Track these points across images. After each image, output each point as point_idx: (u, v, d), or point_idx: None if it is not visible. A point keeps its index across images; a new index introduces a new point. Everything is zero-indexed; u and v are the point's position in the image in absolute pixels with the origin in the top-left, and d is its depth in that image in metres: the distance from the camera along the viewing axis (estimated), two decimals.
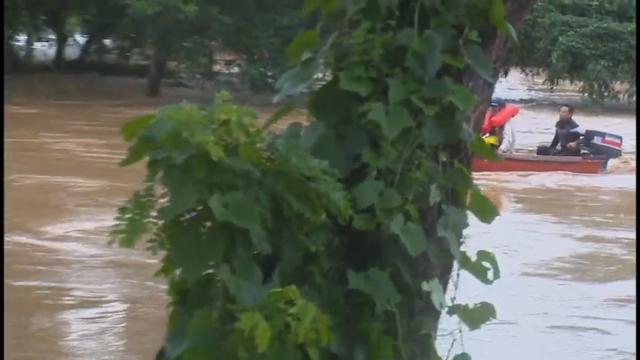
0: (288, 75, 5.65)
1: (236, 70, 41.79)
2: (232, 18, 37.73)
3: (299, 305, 4.69)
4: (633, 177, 26.06)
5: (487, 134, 26.11)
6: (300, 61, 5.50)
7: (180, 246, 4.89)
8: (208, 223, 4.84)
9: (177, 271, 4.97)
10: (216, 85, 39.42)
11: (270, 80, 37.67)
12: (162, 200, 4.77)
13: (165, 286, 10.87)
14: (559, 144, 28.99)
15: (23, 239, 16.51)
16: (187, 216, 4.88)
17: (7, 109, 32.49)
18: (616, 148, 28.39)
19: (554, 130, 30.44)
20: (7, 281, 13.54)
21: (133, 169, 5.12)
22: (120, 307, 12.82)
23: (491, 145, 24.94)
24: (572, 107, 28.92)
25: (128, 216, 4.85)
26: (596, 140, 27.80)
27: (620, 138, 28.66)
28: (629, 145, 30.51)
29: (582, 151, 28.62)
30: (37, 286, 14.00)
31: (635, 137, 9.93)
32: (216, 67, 43.84)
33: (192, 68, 44.00)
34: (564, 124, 29.06)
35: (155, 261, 11.39)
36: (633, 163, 29.16)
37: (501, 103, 26.66)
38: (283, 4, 39.03)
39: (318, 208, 4.85)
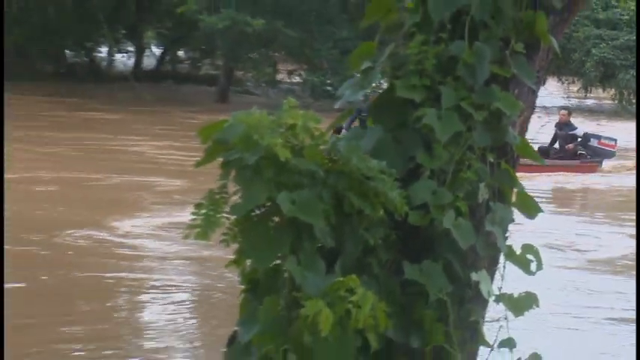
0: (348, 83, 5.67)
1: (297, 79, 41.76)
2: (295, 31, 37.73)
3: (359, 294, 4.70)
4: None
5: None
6: (360, 70, 5.51)
7: (250, 239, 4.92)
8: (276, 219, 4.87)
9: (248, 262, 5.00)
10: (279, 92, 39.45)
11: (329, 88, 37.67)
12: (234, 197, 4.82)
13: (234, 277, 10.86)
14: (557, 144, 28.83)
15: (103, 235, 16.50)
16: (257, 212, 4.91)
17: (90, 115, 32.65)
18: (611, 149, 28.24)
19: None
20: (89, 273, 13.58)
21: (207, 170, 5.16)
22: (194, 296, 12.85)
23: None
24: (571, 110, 28.58)
25: (203, 212, 4.89)
26: (593, 142, 27.62)
27: (615, 140, 28.54)
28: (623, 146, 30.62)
29: (579, 152, 28.48)
30: (118, 276, 13.98)
31: (636, 137, 9.68)
32: (280, 76, 43.85)
33: (257, 77, 44.07)
34: (563, 125, 28.84)
35: (224, 255, 11.37)
36: (628, 163, 29.12)
37: None
38: (342, 18, 39.00)
39: (376, 205, 4.88)
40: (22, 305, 12.00)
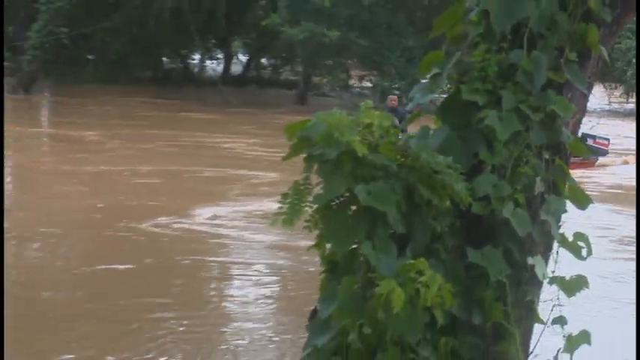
0: (418, 87, 5.68)
1: (368, 83, 41.72)
2: (367, 41, 37.72)
3: (427, 275, 4.72)
4: None
5: None
6: (429, 75, 5.52)
7: (330, 226, 4.95)
8: (354, 207, 4.90)
9: (328, 247, 5.02)
10: (352, 95, 39.45)
11: (396, 92, 37.64)
12: (316, 188, 4.86)
13: (311, 262, 10.89)
14: None
15: (195, 222, 16.52)
16: (337, 201, 4.94)
17: (185, 115, 32.74)
18: (604, 148, 27.95)
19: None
20: (183, 257, 13.64)
21: (292, 164, 5.20)
22: (275, 278, 12.83)
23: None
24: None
25: (289, 201, 4.94)
26: (589, 142, 27.40)
27: (608, 140, 28.25)
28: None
29: None
30: (207, 260, 14.01)
31: (636, 136, 9.36)
32: (352, 81, 43.83)
33: (332, 82, 44.07)
34: None
35: (302, 242, 11.43)
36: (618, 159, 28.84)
37: None
38: (408, 30, 38.94)
39: (443, 196, 4.90)
40: (126, 284, 12.07)
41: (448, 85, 5.39)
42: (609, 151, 28.13)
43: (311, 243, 5.41)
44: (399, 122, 24.68)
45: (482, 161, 5.10)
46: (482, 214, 5.03)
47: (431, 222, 5.00)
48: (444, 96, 5.55)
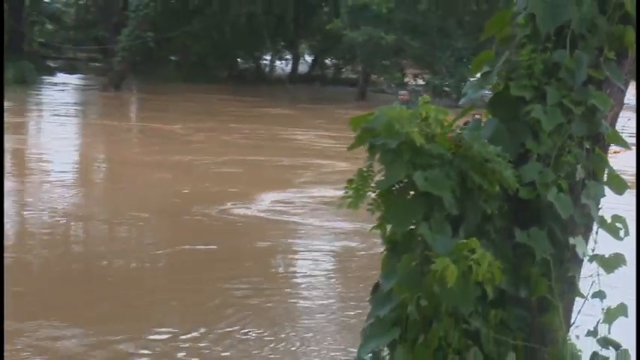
0: (470, 84, 5.67)
1: (421, 81, 41.63)
2: (420, 43, 37.65)
3: (479, 253, 4.69)
4: None
5: None
6: (480, 73, 5.50)
7: (391, 209, 4.95)
8: (412, 192, 4.89)
9: (389, 227, 5.02)
10: (404, 93, 39.51)
11: (446, 89, 37.57)
12: (378, 175, 4.87)
13: (370, 244, 10.83)
14: None
15: (267, 206, 16.50)
16: (397, 187, 4.94)
17: (259, 110, 32.75)
18: None
19: None
20: (259, 238, 13.63)
21: (358, 153, 5.20)
22: (339, 258, 12.76)
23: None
24: None
25: (354, 186, 4.94)
26: None
27: None
28: None
29: None
30: (280, 242, 14.00)
31: (635, 136, 9.18)
32: (406, 79, 43.79)
33: (389, 80, 44.05)
34: None
35: (362, 225, 11.33)
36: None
37: None
38: (457, 33, 38.83)
39: (493, 182, 4.87)
40: (208, 263, 12.10)
41: (497, 82, 5.36)
42: None
43: (369, 226, 5.45)
44: None
45: (529, 150, 5.08)
46: (529, 198, 5.01)
47: (482, 205, 4.98)
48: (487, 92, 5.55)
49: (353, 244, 13.05)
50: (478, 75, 5.54)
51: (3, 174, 4.58)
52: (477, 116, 6.19)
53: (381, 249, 5.10)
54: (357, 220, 13.43)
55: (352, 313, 9.70)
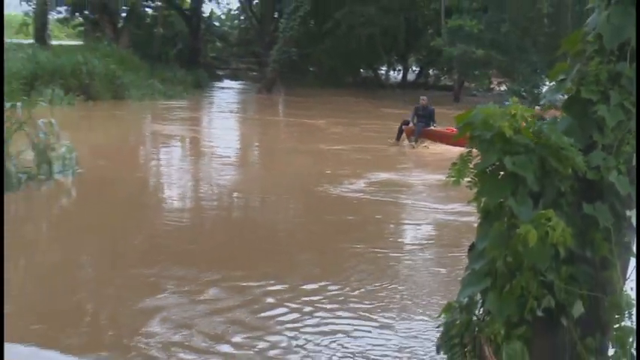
0: (549, 89, 5.68)
1: (504, 87, 41.04)
2: (503, 57, 37.12)
3: (554, 222, 4.65)
4: None
5: None
6: (557, 80, 5.44)
7: (485, 185, 4.94)
8: (502, 173, 4.87)
9: (483, 200, 5.00)
10: (492, 96, 38.93)
11: (523, 93, 36.92)
12: (476, 159, 4.87)
13: (459, 220, 10.62)
14: None
15: (376, 187, 16.22)
16: (490, 168, 4.93)
17: (380, 110, 32.63)
18: None
19: None
20: (352, 216, 13.53)
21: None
22: (438, 230, 12.54)
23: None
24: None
25: (456, 167, 4.95)
26: None
27: None
28: None
29: None
30: (387, 216, 13.84)
31: (635, 136, 8.60)
32: (492, 85, 43.26)
33: (479, 86, 43.50)
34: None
35: (452, 205, 11.03)
36: None
37: None
38: (532, 50, 38.12)
39: (566, 166, 4.83)
40: (336, 229, 12.15)
41: (571, 87, 5.29)
42: None
43: (457, 204, 5.36)
44: (430, 116, 23.35)
45: (595, 142, 5.01)
46: (594, 179, 4.94)
47: (557, 184, 4.94)
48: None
49: (448, 218, 12.87)
50: (553, 82, 5.51)
51: (3, 174, 4.26)
52: (554, 114, 6.10)
53: (468, 224, 5.11)
54: (450, 202, 13.31)
55: (449, 270, 9.63)
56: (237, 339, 7.13)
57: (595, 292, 5.04)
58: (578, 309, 4.97)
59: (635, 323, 4.98)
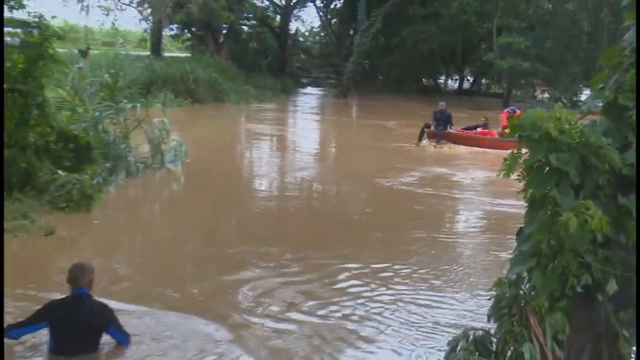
0: (589, 97, 5.56)
1: (547, 95, 40.22)
2: (547, 69, 36.44)
3: (592, 210, 4.57)
4: None
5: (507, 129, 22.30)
6: (597, 88, 5.31)
7: (532, 178, 4.86)
8: (547, 168, 4.79)
9: (530, 191, 4.93)
10: (536, 102, 38.14)
11: (564, 100, 36.09)
12: (525, 156, 4.79)
13: (503, 212, 10.36)
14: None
15: (434, 181, 16.13)
16: (537, 164, 4.85)
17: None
18: None
19: None
20: (406, 204, 13.37)
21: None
22: (488, 219, 12.26)
23: (492, 133, 21.15)
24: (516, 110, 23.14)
25: (507, 163, 4.87)
26: None
27: None
28: None
29: None
30: (442, 205, 13.69)
31: (636, 136, 7.97)
32: (536, 93, 42.33)
33: (525, 94, 42.65)
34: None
35: (497, 201, 10.73)
36: None
37: (514, 111, 22.44)
38: (573, 62, 37.40)
39: (604, 163, 4.74)
40: (396, 217, 12.02)
41: (609, 94, 5.16)
42: None
43: (504, 200, 5.16)
44: (447, 119, 22.06)
45: (630, 142, 4.89)
46: (629, 174, 4.82)
47: (596, 178, 4.84)
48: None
49: (494, 209, 12.59)
50: (593, 90, 5.40)
51: (3, 174, 4.15)
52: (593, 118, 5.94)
53: (513, 215, 4.98)
54: (496, 198, 13.06)
55: (500, 250, 9.51)
56: (311, 308, 7.09)
57: (627, 273, 4.93)
58: (612, 287, 4.87)
59: None
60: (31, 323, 5.53)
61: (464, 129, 21.91)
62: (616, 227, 4.90)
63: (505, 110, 22.76)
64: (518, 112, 21.57)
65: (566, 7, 35.83)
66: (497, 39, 37.82)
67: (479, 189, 14.51)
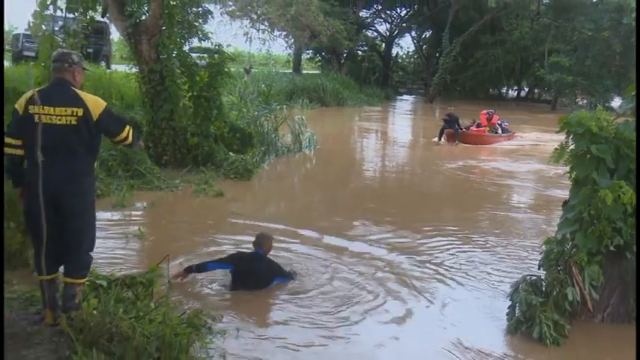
0: (623, 102, 5.22)
1: (585, 101, 37.78)
2: (586, 81, 34.37)
3: (624, 189, 4.36)
4: None
5: (486, 127, 19.05)
6: (630, 94, 4.95)
7: (577, 163, 4.61)
8: (589, 155, 4.53)
9: (575, 173, 4.69)
10: (577, 107, 35.84)
11: (599, 105, 33.84)
12: (571, 146, 4.56)
13: (553, 195, 9.70)
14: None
15: (500, 173, 15.30)
16: (581, 152, 4.63)
17: (506, 116, 30.90)
18: (509, 128, 19.76)
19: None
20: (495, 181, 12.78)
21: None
22: (538, 200, 11.35)
23: (488, 132, 18.79)
24: (494, 113, 19.84)
25: (557, 152, 4.67)
26: (504, 125, 19.71)
27: (508, 123, 20.45)
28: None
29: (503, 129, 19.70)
30: (499, 190, 13.10)
31: (636, 133, 6.78)
32: (577, 99, 39.61)
33: (568, 100, 40.22)
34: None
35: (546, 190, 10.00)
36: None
37: (493, 113, 19.52)
38: (606, 75, 35.00)
39: (634, 152, 4.43)
40: (469, 196, 11.48)
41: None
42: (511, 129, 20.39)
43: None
44: (455, 121, 17.96)
45: None
46: None
47: (627, 163, 4.58)
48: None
49: (545, 193, 11.67)
50: (626, 96, 5.03)
51: (3, 174, 3.93)
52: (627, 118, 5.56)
53: (557, 197, 4.69)
54: (545, 187, 12.30)
55: (548, 219, 9.05)
56: (405, 252, 6.90)
57: None
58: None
59: None
60: (223, 262, 5.50)
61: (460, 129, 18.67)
62: None
63: (484, 111, 20.11)
64: (495, 116, 19.34)
65: (602, 34, 33.58)
66: (547, 59, 36.06)
67: (525, 177, 13.54)
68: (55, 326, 3.71)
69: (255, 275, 5.41)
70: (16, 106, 3.80)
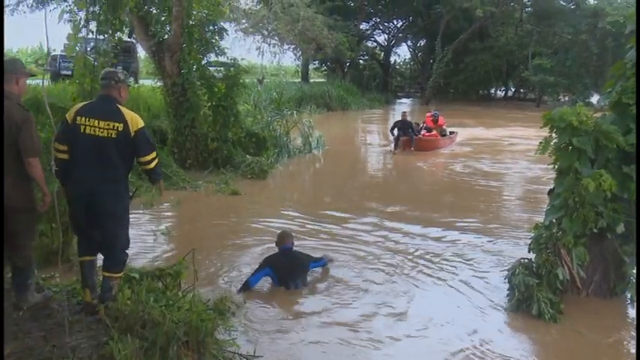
0: (601, 97, 5.19)
1: (567, 98, 37.23)
2: (567, 81, 34.02)
3: (604, 177, 4.32)
4: None
5: (433, 130, 16.41)
6: (607, 91, 4.89)
7: (560, 155, 4.56)
8: (571, 147, 4.48)
9: (559, 163, 4.64)
10: (559, 104, 35.21)
11: (579, 102, 33.26)
12: (554, 139, 4.48)
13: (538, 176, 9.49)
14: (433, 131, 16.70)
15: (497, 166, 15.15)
16: (563, 144, 4.57)
17: (493, 114, 30.59)
18: (454, 132, 17.44)
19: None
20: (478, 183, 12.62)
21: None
22: (528, 185, 11.12)
23: (437, 135, 16.24)
24: (439, 115, 17.26)
25: (542, 144, 4.60)
26: (448, 132, 16.88)
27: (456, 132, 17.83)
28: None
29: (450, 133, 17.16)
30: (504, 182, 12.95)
31: (636, 135, 6.28)
32: (560, 97, 38.89)
33: (551, 98, 39.74)
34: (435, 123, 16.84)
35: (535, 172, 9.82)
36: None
37: (437, 115, 17.12)
38: (585, 75, 34.54)
39: (612, 143, 4.44)
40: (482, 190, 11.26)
41: (615, 95, 4.74)
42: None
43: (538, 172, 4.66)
44: (409, 127, 15.47)
45: (631, 128, 4.53)
46: (630, 151, 4.45)
47: (606, 153, 4.53)
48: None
49: (532, 187, 11.58)
50: (603, 93, 4.96)
51: (3, 174, 3.69)
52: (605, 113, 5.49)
53: (544, 184, 4.64)
54: (533, 180, 12.15)
55: (536, 205, 8.91)
56: (411, 238, 6.82)
57: (629, 219, 4.58)
58: (620, 228, 4.60)
59: None
60: (259, 271, 5.23)
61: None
62: (621, 188, 4.57)
63: (428, 114, 17.86)
64: (441, 117, 17.10)
65: (581, 37, 33.25)
66: (531, 61, 35.82)
67: (523, 173, 13.16)
68: (94, 315, 3.73)
69: (295, 267, 5.25)
70: (67, 115, 3.85)
